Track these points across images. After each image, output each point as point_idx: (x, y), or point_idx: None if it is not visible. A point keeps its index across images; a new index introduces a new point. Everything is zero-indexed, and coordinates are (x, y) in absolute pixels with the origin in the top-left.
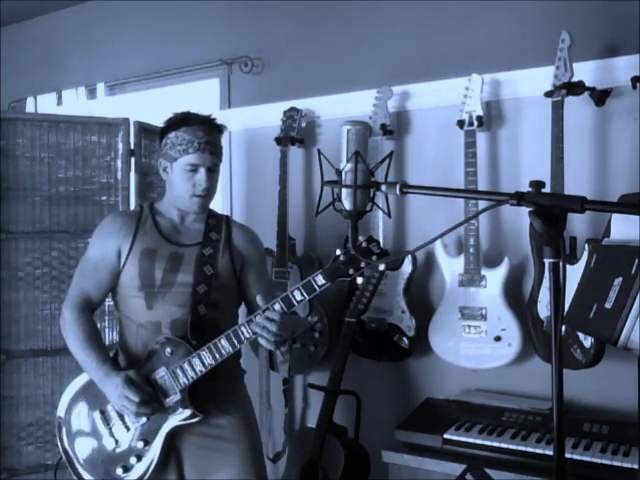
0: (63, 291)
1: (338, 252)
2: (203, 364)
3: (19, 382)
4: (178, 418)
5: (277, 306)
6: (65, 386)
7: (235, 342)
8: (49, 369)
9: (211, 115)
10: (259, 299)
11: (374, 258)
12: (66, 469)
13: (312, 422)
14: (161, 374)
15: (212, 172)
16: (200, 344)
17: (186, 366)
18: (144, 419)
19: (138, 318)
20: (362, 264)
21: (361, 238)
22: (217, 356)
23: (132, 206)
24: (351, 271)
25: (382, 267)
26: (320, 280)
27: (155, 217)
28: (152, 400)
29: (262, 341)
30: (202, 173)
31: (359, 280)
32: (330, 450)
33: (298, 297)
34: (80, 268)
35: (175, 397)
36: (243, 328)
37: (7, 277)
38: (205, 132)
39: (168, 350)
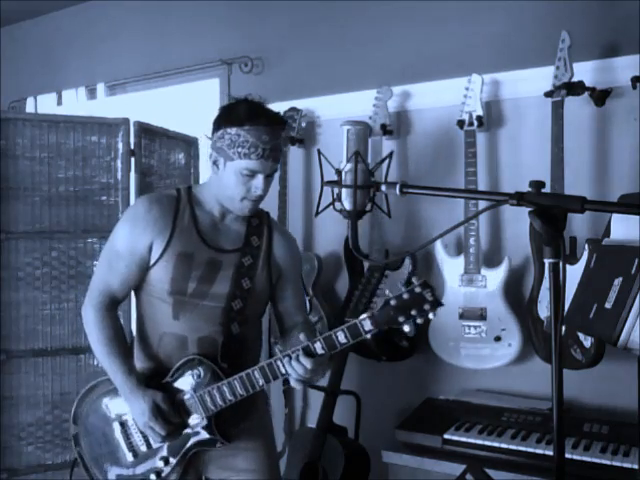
0: (63, 291)
1: (388, 293)
2: (234, 394)
3: (19, 382)
4: (202, 444)
5: (318, 345)
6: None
7: (270, 377)
8: (49, 369)
9: (279, 113)
10: (302, 338)
11: (426, 307)
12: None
13: (312, 422)
14: (187, 396)
15: (270, 177)
16: (229, 366)
17: (215, 392)
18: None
19: (162, 326)
20: (413, 312)
21: (415, 281)
22: (250, 389)
23: None
24: (401, 319)
25: (432, 316)
26: (367, 325)
27: (194, 210)
28: (179, 428)
29: (291, 380)
30: (260, 179)
31: (406, 327)
32: (330, 450)
33: (342, 340)
34: (105, 258)
35: (201, 423)
36: (279, 363)
37: (7, 277)
38: (271, 135)
39: (197, 372)
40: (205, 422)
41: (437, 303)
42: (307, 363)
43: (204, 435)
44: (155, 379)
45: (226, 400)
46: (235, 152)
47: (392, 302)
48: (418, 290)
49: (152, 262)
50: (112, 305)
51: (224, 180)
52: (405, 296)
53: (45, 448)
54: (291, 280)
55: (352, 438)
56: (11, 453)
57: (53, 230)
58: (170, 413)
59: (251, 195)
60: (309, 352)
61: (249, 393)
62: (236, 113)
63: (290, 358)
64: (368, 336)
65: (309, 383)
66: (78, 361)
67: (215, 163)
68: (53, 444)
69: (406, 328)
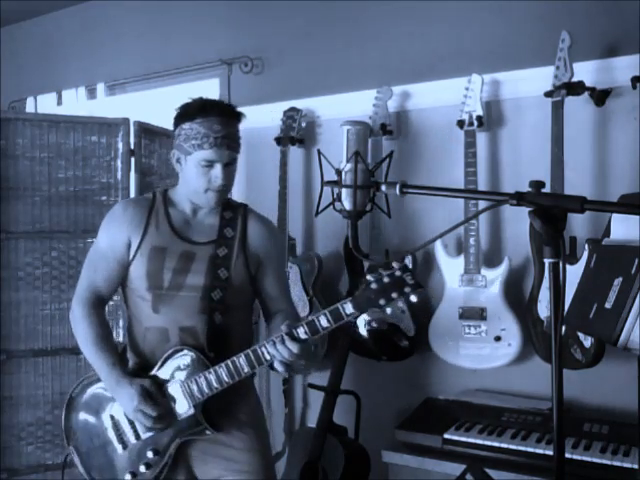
0: (63, 291)
1: (369, 278)
2: (220, 382)
3: (19, 382)
4: (190, 432)
5: (301, 330)
6: (67, 385)
7: (255, 363)
8: (49, 369)
9: (229, 103)
10: (284, 328)
11: (407, 290)
12: (72, 468)
13: (312, 422)
14: (174, 386)
15: (229, 166)
16: (216, 355)
17: (201, 381)
18: None
19: (144, 321)
20: (393, 295)
21: (395, 265)
22: (235, 375)
23: None
24: (382, 302)
25: (414, 299)
26: (349, 308)
27: (168, 208)
28: (168, 414)
29: (275, 363)
30: (218, 169)
31: (388, 310)
32: (330, 450)
33: (324, 323)
34: (89, 259)
35: (189, 411)
36: (264, 349)
37: (7, 277)
38: (223, 124)
39: (184, 362)
40: (192, 411)
41: (417, 285)
42: (292, 347)
43: (192, 423)
44: (142, 373)
45: (212, 388)
46: (190, 145)
47: (373, 285)
48: (398, 274)
49: (130, 258)
50: (99, 303)
51: (187, 175)
52: (386, 280)
53: (45, 448)
54: (271, 267)
55: (352, 438)
56: (11, 453)
57: (53, 230)
58: (158, 397)
59: (213, 186)
60: (293, 337)
61: (235, 380)
62: (189, 109)
63: (274, 343)
64: (350, 319)
65: (293, 368)
66: (78, 361)
67: (178, 161)
68: (53, 444)
69: (387, 310)
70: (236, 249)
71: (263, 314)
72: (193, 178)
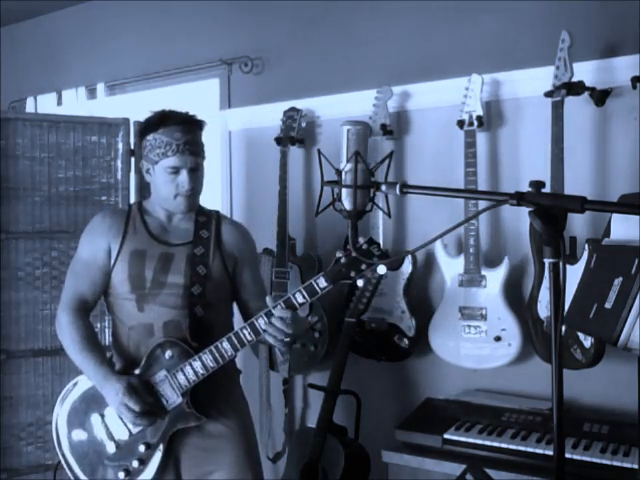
0: None
1: (339, 254)
2: (205, 367)
3: (19, 382)
4: (180, 421)
5: (279, 308)
6: (64, 386)
7: (237, 345)
8: (49, 369)
9: (189, 112)
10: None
11: (374, 260)
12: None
13: (312, 422)
14: (161, 378)
15: (195, 171)
16: (199, 346)
17: (187, 369)
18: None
19: (129, 320)
20: (363, 266)
21: (361, 240)
22: (219, 359)
23: None
24: (352, 273)
25: (382, 270)
26: (322, 283)
27: (143, 216)
28: (153, 410)
29: (269, 338)
30: (184, 174)
31: (360, 282)
32: (330, 450)
33: (300, 299)
34: (72, 269)
35: (177, 400)
36: (245, 331)
37: (7, 277)
38: (184, 132)
39: (168, 353)
40: (180, 399)
41: (384, 256)
42: (285, 314)
43: (181, 412)
44: (129, 372)
45: (198, 374)
46: (156, 154)
47: (342, 260)
48: (365, 247)
49: (112, 264)
50: (83, 309)
51: (156, 184)
52: (354, 253)
53: (45, 448)
54: (248, 265)
55: (352, 438)
56: (11, 453)
57: (53, 230)
58: (144, 393)
59: (181, 191)
60: (271, 314)
61: (219, 364)
62: (151, 122)
63: (253, 324)
64: (322, 292)
65: (289, 339)
66: None
67: (148, 172)
68: (53, 444)
69: (359, 283)
70: (212, 248)
71: (242, 314)
72: (162, 186)
